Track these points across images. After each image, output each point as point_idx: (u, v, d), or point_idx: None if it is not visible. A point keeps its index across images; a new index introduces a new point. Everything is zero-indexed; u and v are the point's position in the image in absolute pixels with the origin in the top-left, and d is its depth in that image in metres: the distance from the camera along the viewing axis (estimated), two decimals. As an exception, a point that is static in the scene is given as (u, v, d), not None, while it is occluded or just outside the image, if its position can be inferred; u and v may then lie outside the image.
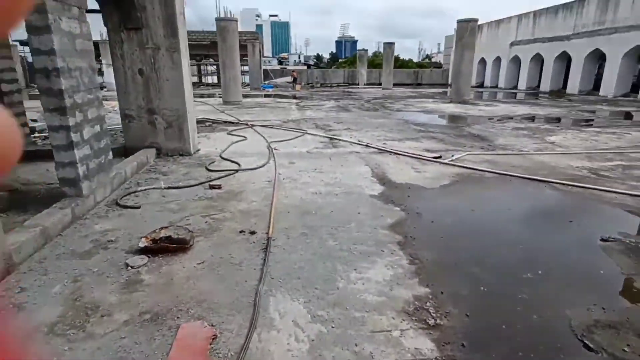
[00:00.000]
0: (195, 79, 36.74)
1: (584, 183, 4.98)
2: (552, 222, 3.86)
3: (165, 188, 4.70)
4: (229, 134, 8.48)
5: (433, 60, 75.88)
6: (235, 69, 14.84)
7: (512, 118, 11.79)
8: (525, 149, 7.12)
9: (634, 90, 19.38)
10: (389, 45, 28.07)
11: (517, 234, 3.54)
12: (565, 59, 24.16)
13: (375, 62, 49.50)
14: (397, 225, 3.64)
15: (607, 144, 7.60)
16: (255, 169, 5.59)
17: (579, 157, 6.47)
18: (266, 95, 21.42)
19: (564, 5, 23.27)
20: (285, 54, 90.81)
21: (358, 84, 33.42)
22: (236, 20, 14.60)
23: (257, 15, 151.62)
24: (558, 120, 11.65)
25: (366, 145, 7.32)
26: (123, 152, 6.09)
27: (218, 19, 14.30)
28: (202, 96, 20.80)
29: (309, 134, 8.59)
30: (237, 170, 5.46)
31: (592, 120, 11.64)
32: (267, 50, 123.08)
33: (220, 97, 16.57)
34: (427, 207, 4.14)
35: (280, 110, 13.38)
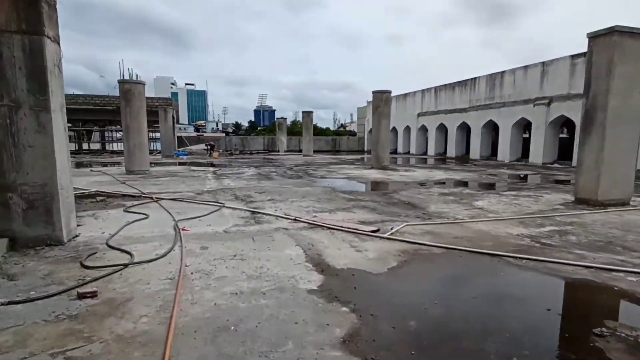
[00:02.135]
0: (98, 146, 33.60)
1: (534, 254, 4.57)
2: (533, 312, 3.18)
3: (3, 304, 3.13)
4: (126, 210, 6.94)
5: (347, 129, 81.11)
6: (142, 134, 13.37)
7: (434, 183, 11.98)
8: (459, 217, 6.80)
9: (524, 155, 21.90)
10: (308, 114, 28.89)
11: (500, 336, 2.74)
12: (465, 128, 26.94)
13: (294, 130, 50.94)
14: (350, 340, 2.62)
15: (530, 207, 7.70)
16: (152, 260, 4.24)
17: (511, 224, 6.27)
18: (180, 164, 19.86)
19: (460, 83, 26.47)
20: (203, 122, 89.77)
21: (278, 151, 33.40)
22: (143, 84, 13.45)
23: (172, 83, 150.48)
24: (476, 184, 12.11)
25: (294, 220, 6.39)
26: (-43, 245, 4.31)
27: (122, 81, 13.02)
28: (104, 165, 18.51)
29: (227, 207, 7.44)
30: (126, 265, 4.06)
31: (502, 183, 12.34)
32: (184, 118, 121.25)
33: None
34: (381, 304, 3.22)
35: (194, 180, 12.04)
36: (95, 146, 33.76)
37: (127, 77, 14.29)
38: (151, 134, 33.14)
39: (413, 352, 2.48)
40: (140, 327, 2.80)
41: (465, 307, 3.23)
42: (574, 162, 17.93)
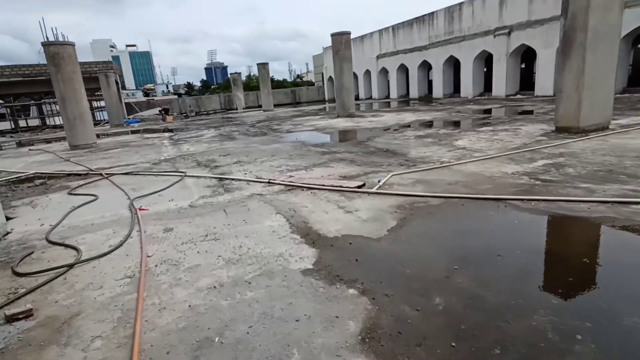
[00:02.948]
0: (38, 122, 30.36)
1: (539, 194, 4.18)
2: (584, 266, 2.76)
3: None
4: (70, 193, 5.94)
5: (304, 79, 78.50)
6: (81, 104, 11.74)
7: (407, 126, 11.48)
8: (445, 159, 6.34)
9: (487, 89, 21.78)
10: (263, 66, 27.12)
11: (545, 300, 2.29)
12: (426, 67, 26.32)
13: (250, 85, 48.54)
14: (371, 336, 2.07)
15: (512, 142, 7.37)
16: (104, 255, 3.45)
17: (502, 162, 5.88)
18: (132, 132, 18.20)
19: (418, 19, 25.39)
20: (152, 85, 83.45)
21: (236, 109, 31.68)
22: (72, 44, 11.55)
23: (112, 47, 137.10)
24: (450, 123, 11.72)
25: (268, 183, 5.68)
26: None
27: (46, 44, 11.08)
28: (47, 142, 16.58)
29: (190, 176, 6.58)
30: (71, 265, 3.26)
31: (474, 119, 12.04)
32: (130, 83, 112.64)
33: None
34: (393, 279, 2.68)
35: (149, 149, 10.87)
36: (35, 122, 30.40)
37: (53, 40, 11.98)
38: (96, 103, 30.28)
39: (453, 344, 1.97)
40: (92, 356, 2.11)
41: (493, 269, 2.76)
42: (536, 91, 18.01)
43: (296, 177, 5.92)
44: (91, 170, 7.76)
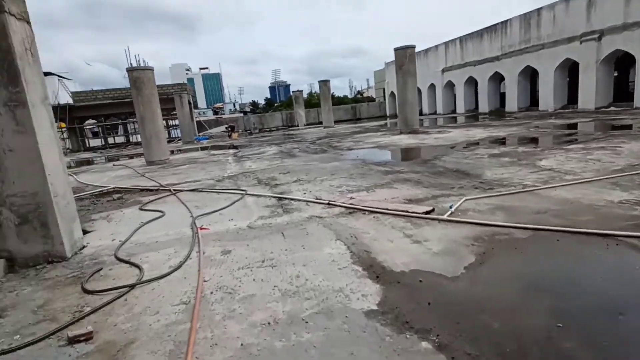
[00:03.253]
0: (123, 139, 33.50)
1: (654, 228, 3.43)
2: None
3: (-34, 365, 2.38)
4: (141, 209, 6.19)
5: (364, 95, 78.49)
6: (157, 123, 12.61)
7: (477, 144, 10.68)
8: (528, 183, 5.64)
9: (571, 101, 19.85)
10: (325, 83, 27.43)
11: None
12: (498, 79, 24.81)
13: (311, 102, 49.56)
14: (450, 408, 1.67)
15: (614, 162, 6.39)
16: (163, 276, 3.40)
17: (603, 186, 5.05)
18: (201, 149, 19.22)
19: (488, 29, 24.14)
20: (220, 104, 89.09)
21: (297, 126, 32.33)
22: (151, 69, 12.54)
23: (187, 69, 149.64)
24: (530, 140, 10.71)
25: (328, 204, 5.43)
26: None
27: (130, 69, 12.18)
28: (130, 157, 18.05)
29: (250, 194, 6.56)
30: (132, 286, 3.24)
31: (559, 135, 10.87)
32: (202, 103, 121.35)
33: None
34: (477, 332, 2.24)
35: (214, 165, 11.25)
36: (120, 139, 33.73)
37: (135, 65, 13.30)
38: (171, 122, 32.79)
39: None
40: (138, 398, 1.95)
41: (614, 333, 2.18)
42: (636, 102, 16.02)
43: (357, 199, 5.61)
44: (161, 186, 8.12)
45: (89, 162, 18.61)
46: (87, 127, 28.28)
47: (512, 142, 10.55)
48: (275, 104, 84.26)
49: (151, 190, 7.87)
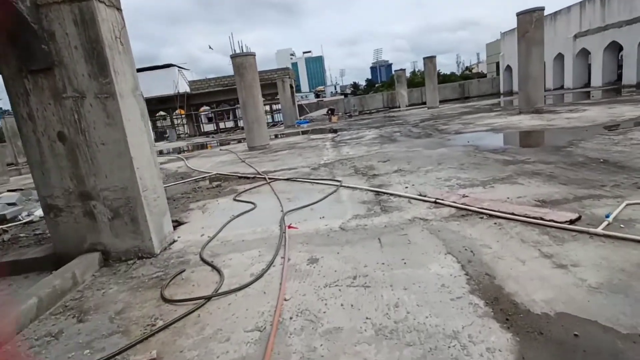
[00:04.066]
0: (232, 124, 36.04)
1: None
2: None
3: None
4: (235, 199, 6.12)
5: (473, 71, 71.69)
6: (258, 108, 12.85)
7: (629, 126, 8.44)
8: None
9: None
10: (430, 59, 25.32)
11: None
12: (653, 43, 19.97)
13: (414, 81, 46.92)
14: None
15: None
16: (242, 288, 3.04)
17: None
18: (301, 132, 19.41)
19: (644, -22, 19.37)
20: (322, 87, 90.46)
21: (399, 107, 30.77)
22: (253, 55, 12.73)
23: (292, 54, 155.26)
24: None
25: (435, 202, 4.58)
26: (55, 260, 3.86)
27: (233, 56, 12.52)
28: (238, 141, 19.11)
29: (345, 186, 6.01)
30: (209, 298, 2.94)
31: None
32: (304, 86, 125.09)
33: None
34: None
35: (312, 151, 11.00)
36: (230, 124, 36.45)
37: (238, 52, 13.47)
38: (274, 106, 34.15)
39: None
40: None
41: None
42: None
43: (471, 197, 4.63)
44: (258, 173, 8.08)
45: (202, 146, 20.26)
46: (202, 113, 31.04)
47: (684, 122, 8.08)
48: (377, 85, 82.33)
49: (248, 178, 7.87)
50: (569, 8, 25.11)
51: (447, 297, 2.58)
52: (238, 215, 5.08)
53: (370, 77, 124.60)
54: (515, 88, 25.74)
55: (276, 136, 19.08)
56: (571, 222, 3.52)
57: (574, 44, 24.79)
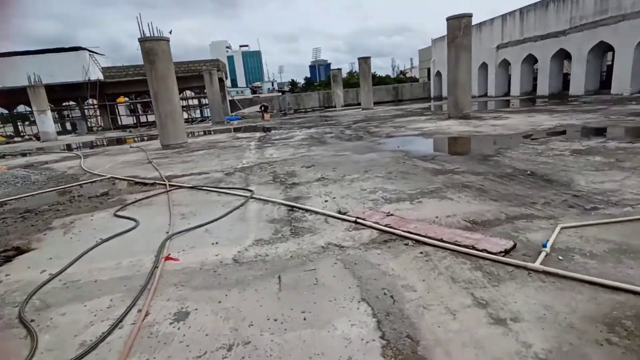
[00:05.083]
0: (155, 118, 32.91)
1: None
2: None
3: None
4: (116, 214, 4.89)
5: (407, 75, 74.52)
6: (173, 102, 11.37)
7: (548, 135, 8.55)
8: (653, 202, 3.76)
9: (655, 83, 16.68)
10: (365, 60, 25.25)
11: None
12: (562, 57, 21.66)
13: (350, 82, 47.21)
14: None
15: None
16: (54, 376, 2.00)
17: None
18: (227, 130, 18.05)
19: (556, -2, 20.87)
20: (259, 83, 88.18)
21: (335, 107, 30.51)
22: (167, 40, 11.21)
23: (228, 47, 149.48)
24: (621, 131, 8.46)
25: (355, 222, 3.84)
26: None
27: (142, 39, 10.88)
28: (152, 138, 17.21)
29: (256, 198, 5.08)
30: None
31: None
32: (241, 81, 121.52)
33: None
34: None
35: (233, 152, 9.90)
36: (152, 117, 33.40)
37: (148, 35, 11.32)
38: (204, 100, 31.96)
39: None
40: None
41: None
42: None
43: (397, 215, 3.97)
44: (158, 180, 6.84)
45: (113, 141, 18.00)
46: (120, 104, 27.92)
47: (594, 133, 8.35)
48: (315, 84, 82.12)
49: (145, 184, 6.61)
50: (492, 20, 26.54)
51: (353, 382, 1.78)
52: (107, 239, 3.92)
53: (309, 75, 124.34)
54: (445, 93, 26.66)
55: (199, 133, 17.54)
56: (506, 252, 2.95)
57: (497, 55, 26.27)
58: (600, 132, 8.49)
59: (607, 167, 5.23)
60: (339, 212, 4.19)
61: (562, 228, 3.30)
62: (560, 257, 2.82)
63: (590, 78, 19.75)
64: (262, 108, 26.12)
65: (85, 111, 27.58)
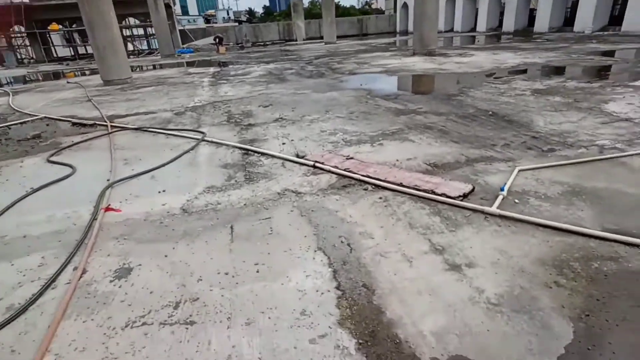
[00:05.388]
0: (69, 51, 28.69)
1: None
2: None
3: None
4: (49, 160, 4.40)
5: (373, 7, 71.21)
6: (111, 30, 10.08)
7: (512, 73, 8.51)
8: (603, 141, 3.85)
9: (613, 22, 16.88)
10: (328, -11, 23.51)
11: None
12: (529, -9, 21.25)
13: (313, 12, 44.49)
14: None
15: None
16: (-29, 348, 1.78)
17: None
18: (178, 65, 16.69)
19: None
20: (213, 11, 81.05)
21: (296, 40, 28.92)
22: (100, -44, 9.66)
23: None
24: (579, 71, 8.55)
25: (314, 167, 3.67)
26: None
27: (70, -45, 9.32)
28: (93, 72, 15.62)
29: (208, 141, 4.74)
30: None
31: (617, 65, 8.69)
32: (193, 9, 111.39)
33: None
34: None
35: (184, 89, 9.17)
36: (65, 51, 29.51)
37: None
38: (150, 30, 29.00)
39: None
40: None
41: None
42: None
43: (357, 159, 3.83)
44: (98, 120, 6.21)
45: (49, 76, 16.18)
46: (53, 32, 24.69)
47: (555, 72, 8.40)
48: (275, 14, 76.72)
49: (84, 125, 5.99)
50: (460, -53, 25.18)
51: (305, 335, 1.73)
52: (38, 189, 3.52)
53: (268, 4, 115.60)
54: (411, 28, 25.79)
55: (146, 67, 16.10)
56: (464, 196, 2.92)
57: (464, -13, 25.35)
58: (561, 71, 8.55)
59: (565, 107, 5.28)
60: (297, 156, 3.99)
61: (519, 170, 3.31)
62: (516, 200, 2.83)
63: (555, 14, 19.64)
64: (217, 40, 24.21)
65: (13, 41, 24.17)
